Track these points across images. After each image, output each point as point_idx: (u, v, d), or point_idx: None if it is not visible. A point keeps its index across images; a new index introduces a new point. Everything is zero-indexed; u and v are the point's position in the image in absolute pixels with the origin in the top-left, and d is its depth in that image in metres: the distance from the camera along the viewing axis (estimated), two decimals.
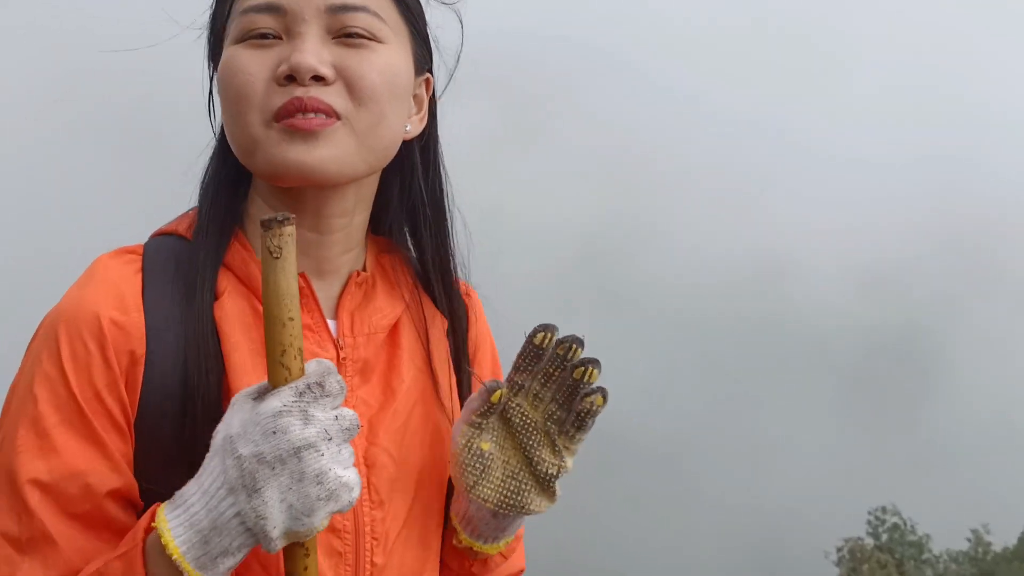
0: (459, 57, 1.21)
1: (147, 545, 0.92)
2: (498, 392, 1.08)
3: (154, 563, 0.91)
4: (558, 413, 1.10)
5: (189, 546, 0.89)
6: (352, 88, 1.05)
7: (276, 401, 0.89)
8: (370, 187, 1.16)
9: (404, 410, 1.15)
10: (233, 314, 1.06)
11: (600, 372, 1.08)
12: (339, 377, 0.92)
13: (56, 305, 1.03)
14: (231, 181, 1.14)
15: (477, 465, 1.10)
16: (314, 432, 0.89)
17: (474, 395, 1.11)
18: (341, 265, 1.16)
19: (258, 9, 1.05)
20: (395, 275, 1.22)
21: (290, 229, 0.90)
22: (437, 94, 1.23)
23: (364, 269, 1.19)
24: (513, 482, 1.11)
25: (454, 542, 1.19)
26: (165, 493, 0.95)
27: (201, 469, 0.92)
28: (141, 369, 1.01)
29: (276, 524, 0.88)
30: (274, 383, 0.91)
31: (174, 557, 0.89)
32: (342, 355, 1.11)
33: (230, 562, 0.91)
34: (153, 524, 0.92)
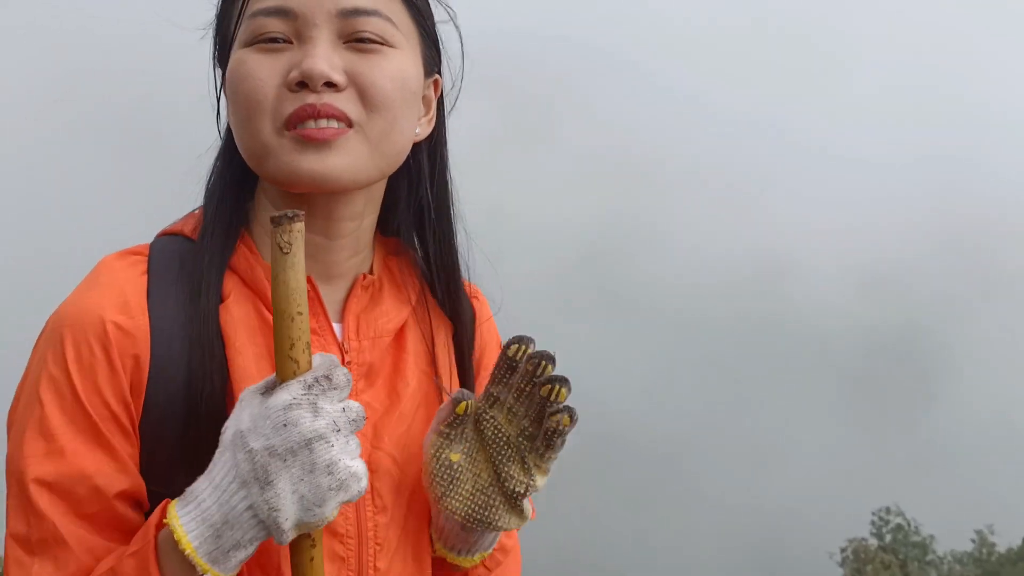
0: (463, 67, 1.22)
1: (159, 541, 0.93)
2: (463, 403, 1.08)
3: (167, 559, 0.92)
4: (530, 429, 1.09)
5: (201, 540, 0.90)
6: (364, 95, 1.05)
7: (286, 394, 0.90)
8: (379, 190, 1.16)
9: (408, 414, 1.15)
10: (238, 318, 1.06)
11: (569, 391, 1.07)
12: (345, 370, 0.93)
13: (60, 306, 1.04)
14: (237, 182, 1.13)
15: (445, 476, 1.09)
16: (324, 424, 0.90)
17: (444, 404, 1.10)
18: (348, 269, 1.15)
19: (268, 13, 1.04)
20: (402, 278, 1.22)
21: (299, 225, 0.91)
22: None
23: (371, 272, 1.19)
24: (482, 496, 1.09)
25: (433, 551, 1.19)
26: (169, 495, 0.96)
27: (211, 465, 0.93)
28: (146, 372, 1.02)
29: (288, 516, 0.89)
30: (282, 376, 0.92)
31: (187, 552, 0.90)
32: (347, 359, 1.11)
33: (242, 555, 0.92)
34: (165, 520, 0.93)
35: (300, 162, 1.03)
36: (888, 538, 32.53)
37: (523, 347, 1.07)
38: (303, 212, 0.91)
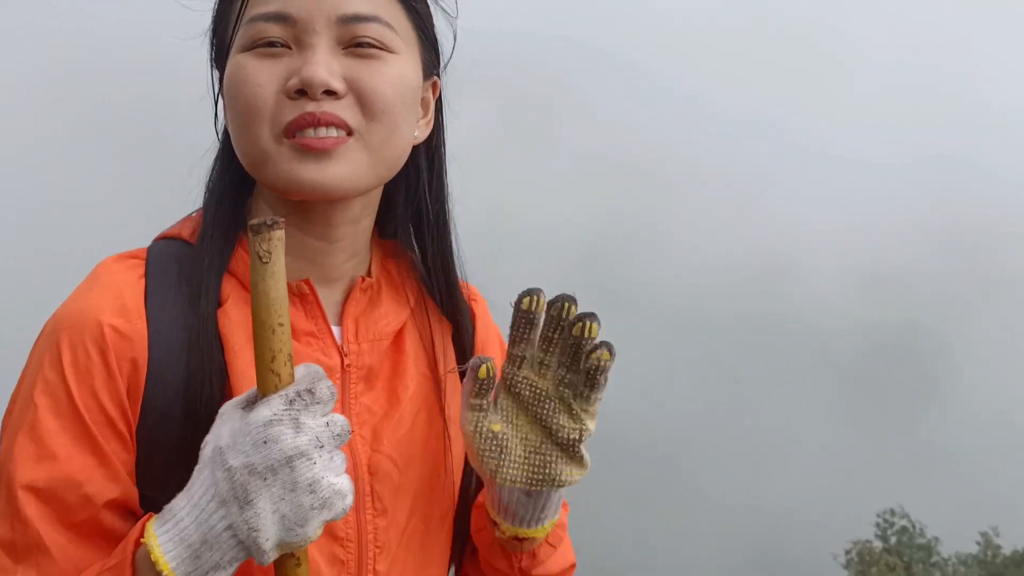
0: (449, 60, 1.20)
1: (136, 559, 0.91)
2: (483, 367, 1.05)
3: None
4: (568, 376, 1.07)
5: (179, 561, 0.88)
6: (364, 102, 1.04)
7: (266, 410, 0.87)
8: (376, 194, 1.16)
9: (408, 417, 1.14)
10: (237, 321, 1.05)
11: (600, 326, 1.05)
12: (329, 383, 0.91)
13: (58, 309, 1.03)
14: (235, 186, 1.12)
15: (493, 448, 1.07)
16: (306, 440, 0.87)
17: (466, 378, 1.08)
18: (346, 271, 1.15)
19: (267, 18, 1.04)
20: (400, 280, 1.21)
21: (279, 233, 0.88)
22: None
23: (369, 274, 1.18)
24: (537, 456, 1.07)
25: (496, 535, 1.16)
26: (165, 500, 0.93)
27: (190, 482, 0.91)
28: (143, 376, 1.01)
29: (269, 536, 0.87)
30: (264, 390, 0.90)
31: (164, 573, 0.88)
32: (346, 361, 1.11)
33: None
34: (142, 539, 0.91)
35: (299, 171, 1.02)
36: (893, 540, 32.44)
37: (536, 298, 1.06)
38: (283, 220, 0.89)
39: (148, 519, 0.93)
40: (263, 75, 1.03)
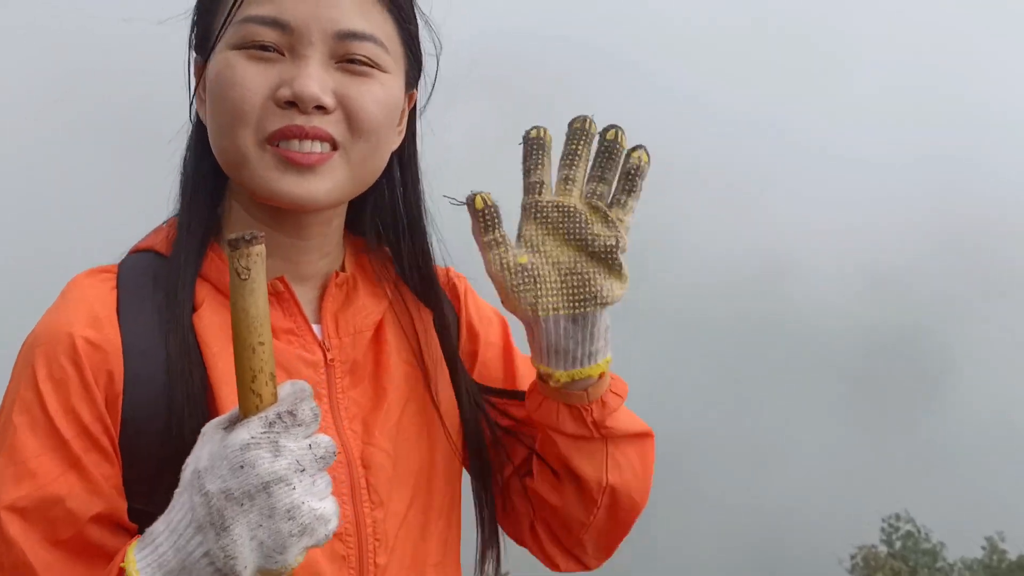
0: (434, 84, 1.22)
1: None
2: (477, 197, 1.05)
3: None
4: (599, 187, 1.06)
5: None
6: (352, 119, 1.05)
7: (244, 432, 0.85)
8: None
9: (397, 407, 1.14)
10: (214, 323, 1.05)
11: (625, 135, 1.05)
12: (313, 404, 0.89)
13: (33, 329, 1.04)
14: (208, 187, 1.13)
15: (526, 280, 1.05)
16: (285, 464, 0.85)
17: (471, 222, 1.07)
18: (320, 268, 1.15)
19: (263, 22, 1.03)
20: (376, 273, 1.21)
21: (259, 248, 0.85)
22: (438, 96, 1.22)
23: (343, 269, 1.19)
24: (574, 277, 1.05)
25: (553, 387, 1.10)
26: (154, 512, 0.93)
27: (171, 504, 0.89)
28: (120, 386, 1.00)
29: (247, 563, 0.85)
30: (245, 411, 0.87)
31: None
32: (329, 356, 1.11)
33: None
34: (122, 564, 0.90)
35: (280, 182, 1.03)
36: (898, 545, 32.29)
37: (541, 129, 1.07)
38: (262, 234, 0.86)
39: (130, 544, 0.92)
40: (253, 79, 1.03)
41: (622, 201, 1.06)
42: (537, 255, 1.06)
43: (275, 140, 1.02)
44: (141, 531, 0.92)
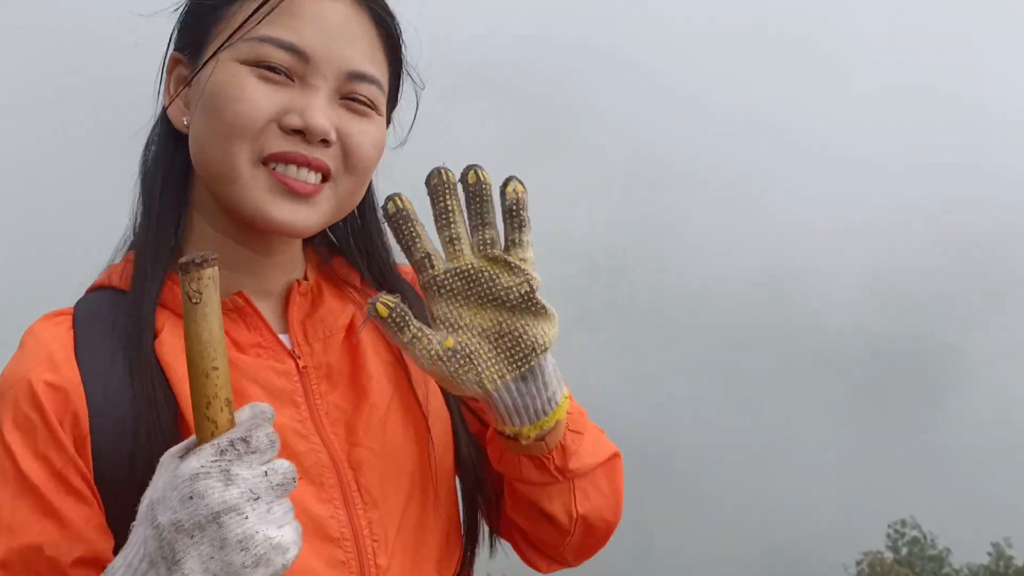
0: (411, 128, 1.23)
1: None
2: (377, 305, 1.00)
3: None
4: (487, 233, 1.03)
5: None
6: (348, 156, 1.07)
7: (195, 461, 0.83)
8: None
9: (381, 405, 1.13)
10: (176, 348, 1.04)
11: (486, 171, 1.03)
12: (270, 429, 0.86)
13: None
14: (173, 204, 1.11)
15: (460, 361, 1.01)
16: (236, 493, 0.82)
17: (384, 331, 1.03)
18: (282, 281, 1.16)
19: (280, 45, 1.04)
20: (340, 276, 1.22)
21: (211, 271, 0.84)
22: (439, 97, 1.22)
23: (306, 278, 1.19)
24: (505, 338, 1.02)
25: (524, 445, 1.08)
26: None
27: (129, 538, 0.87)
28: (87, 425, 0.99)
29: None
30: (200, 439, 0.85)
31: None
32: (301, 364, 1.10)
33: None
34: None
35: (273, 207, 1.03)
36: (904, 551, 32.29)
37: (398, 198, 1.03)
38: (215, 257, 0.84)
39: None
40: (262, 98, 1.03)
41: (517, 240, 1.03)
42: (459, 332, 1.02)
43: (272, 161, 1.03)
44: None
